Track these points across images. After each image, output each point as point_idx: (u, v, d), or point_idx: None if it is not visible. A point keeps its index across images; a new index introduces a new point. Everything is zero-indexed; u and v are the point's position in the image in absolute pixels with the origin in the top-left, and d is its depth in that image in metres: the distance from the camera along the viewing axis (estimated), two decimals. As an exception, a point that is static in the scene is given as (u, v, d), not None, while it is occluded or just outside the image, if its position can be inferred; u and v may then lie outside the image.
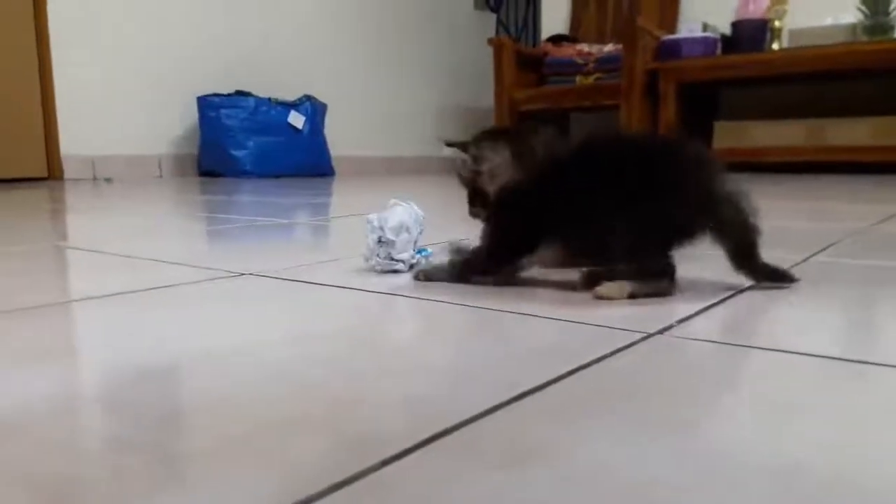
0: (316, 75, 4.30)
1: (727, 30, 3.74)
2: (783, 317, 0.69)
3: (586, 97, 3.97)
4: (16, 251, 1.11)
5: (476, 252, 0.80)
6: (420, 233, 0.88)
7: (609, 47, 4.04)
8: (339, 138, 4.22)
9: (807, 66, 3.39)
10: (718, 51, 3.70)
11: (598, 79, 3.98)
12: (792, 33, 3.59)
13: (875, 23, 3.36)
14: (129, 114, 3.53)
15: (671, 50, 3.70)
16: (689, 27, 3.82)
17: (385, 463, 0.34)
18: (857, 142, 3.37)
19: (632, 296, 0.71)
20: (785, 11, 3.65)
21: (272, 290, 0.79)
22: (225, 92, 3.73)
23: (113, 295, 0.76)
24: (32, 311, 0.69)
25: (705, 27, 3.77)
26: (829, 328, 0.65)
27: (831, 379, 0.50)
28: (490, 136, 0.80)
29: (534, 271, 0.81)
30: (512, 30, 5.70)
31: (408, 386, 0.47)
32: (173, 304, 0.73)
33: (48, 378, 0.49)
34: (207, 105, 3.64)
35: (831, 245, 1.07)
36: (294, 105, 3.89)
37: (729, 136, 3.70)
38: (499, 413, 0.41)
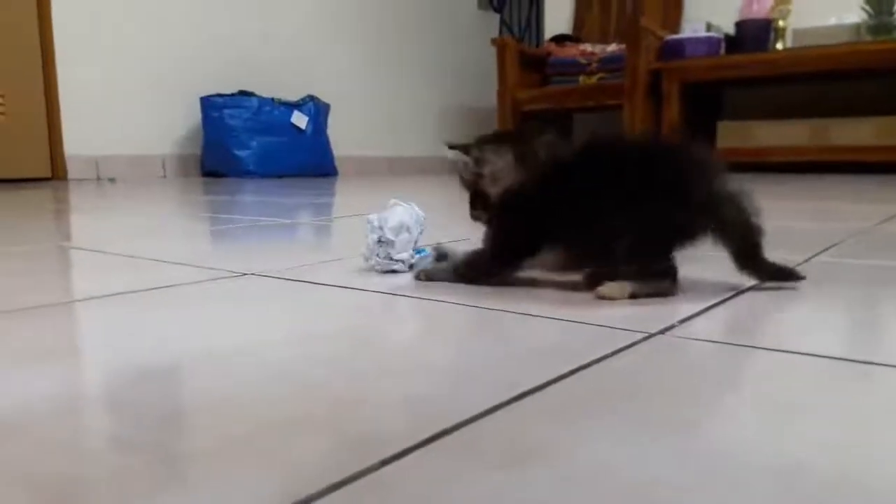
0: (319, 75, 4.30)
1: (731, 29, 3.74)
2: (785, 317, 0.69)
3: (589, 97, 3.97)
4: (19, 251, 1.11)
5: (478, 253, 0.80)
6: (420, 233, 0.88)
7: (612, 47, 4.03)
8: (342, 138, 4.22)
9: (811, 66, 3.38)
10: (722, 51, 3.70)
11: (601, 79, 3.98)
12: (796, 33, 3.58)
13: (879, 22, 3.36)
14: (132, 114, 3.54)
15: (675, 50, 3.70)
16: (692, 27, 3.81)
17: (385, 462, 0.34)
18: (861, 142, 3.37)
19: (633, 296, 0.71)
20: (789, 11, 3.65)
21: (274, 290, 0.79)
22: (228, 92, 3.73)
23: (115, 295, 0.76)
24: (35, 310, 0.69)
25: (709, 27, 3.77)
26: (831, 328, 0.65)
27: (834, 379, 0.50)
28: (493, 139, 0.80)
29: (535, 272, 0.80)
30: (515, 30, 5.70)
31: (408, 386, 0.47)
32: (175, 304, 0.73)
33: (50, 378, 0.49)
34: (211, 105, 3.65)
35: (834, 245, 1.07)
36: (297, 105, 3.90)
37: (732, 135, 3.70)
38: (499, 413, 0.41)
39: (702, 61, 3.63)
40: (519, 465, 0.35)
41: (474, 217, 0.81)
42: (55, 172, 3.32)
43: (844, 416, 0.42)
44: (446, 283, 0.80)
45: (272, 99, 3.80)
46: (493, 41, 4.27)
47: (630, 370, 0.51)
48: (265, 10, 4.08)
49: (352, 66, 4.57)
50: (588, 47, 4.14)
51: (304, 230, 1.52)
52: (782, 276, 0.76)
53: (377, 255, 0.85)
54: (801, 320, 0.67)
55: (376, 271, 0.86)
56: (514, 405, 0.42)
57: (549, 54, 4.24)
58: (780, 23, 3.64)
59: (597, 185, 0.72)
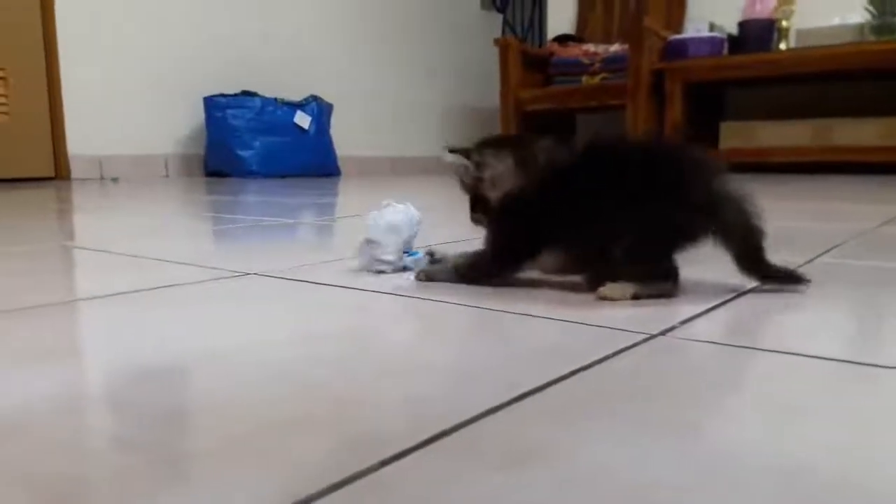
0: (322, 75, 4.30)
1: (734, 30, 3.74)
2: (787, 318, 0.69)
3: (592, 97, 3.97)
4: (22, 251, 1.11)
5: (479, 254, 0.80)
6: (414, 235, 0.88)
7: (615, 47, 4.03)
8: (345, 138, 4.22)
9: (814, 67, 3.38)
10: (725, 51, 3.70)
11: (604, 79, 3.97)
12: (799, 33, 3.58)
13: (882, 23, 3.35)
14: (135, 114, 3.54)
15: (677, 50, 3.70)
16: (695, 27, 3.81)
17: (385, 463, 0.35)
18: (864, 142, 3.36)
19: (635, 297, 0.71)
20: (792, 11, 3.64)
21: (276, 290, 0.80)
22: (231, 92, 3.74)
23: (118, 294, 0.76)
24: (37, 310, 0.69)
25: (712, 27, 3.77)
26: (834, 330, 0.65)
27: (836, 381, 0.50)
28: (493, 143, 0.81)
29: (535, 273, 0.81)
30: (518, 30, 5.70)
31: (409, 386, 0.47)
32: (178, 304, 0.73)
33: (52, 377, 0.49)
34: (214, 105, 3.65)
35: (836, 246, 1.07)
36: (300, 105, 3.90)
37: (735, 136, 3.70)
38: (499, 414, 0.41)
39: (705, 61, 3.63)
40: (519, 466, 0.35)
41: (475, 221, 0.82)
42: (58, 172, 3.32)
43: (846, 418, 0.42)
44: (447, 284, 0.80)
45: (275, 99, 3.81)
46: (496, 41, 4.27)
47: (631, 371, 0.51)
48: (268, 10, 4.08)
49: (355, 66, 4.57)
50: (591, 47, 4.14)
51: (306, 230, 1.52)
52: (786, 279, 0.76)
53: (366, 255, 0.86)
54: (802, 322, 0.67)
55: (368, 272, 0.86)
56: (515, 406, 0.42)
57: (551, 54, 4.23)
58: (784, 23, 3.64)
59: (596, 187, 0.72)
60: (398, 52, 4.85)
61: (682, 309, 0.68)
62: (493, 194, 0.78)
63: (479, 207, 0.80)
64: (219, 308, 0.72)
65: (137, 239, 1.27)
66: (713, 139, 3.71)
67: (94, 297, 0.76)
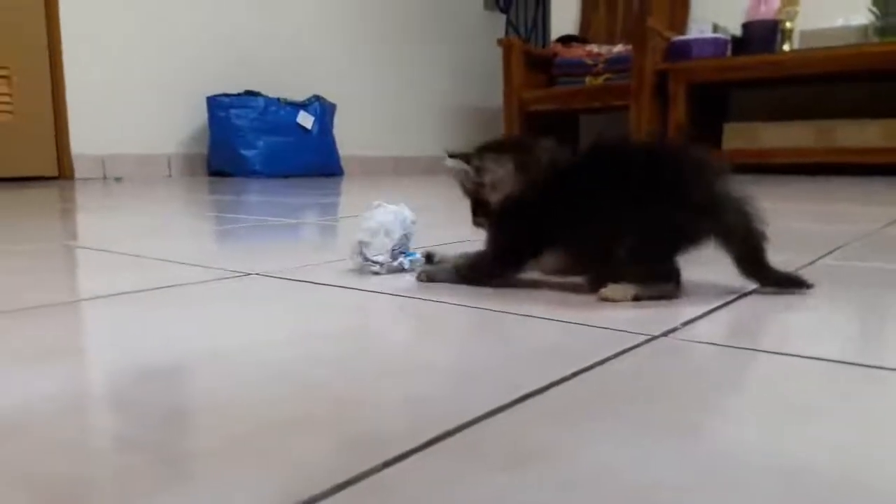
0: (325, 75, 4.31)
1: (738, 31, 3.73)
2: (789, 320, 0.69)
3: (596, 98, 3.96)
4: (25, 250, 1.11)
5: (480, 255, 0.80)
6: (405, 235, 0.88)
7: (619, 48, 4.03)
8: (348, 138, 4.22)
9: (817, 68, 3.37)
10: (728, 52, 3.69)
11: (607, 79, 3.97)
12: (803, 34, 3.57)
13: (886, 24, 3.34)
14: (139, 113, 3.55)
15: (681, 51, 3.69)
16: (699, 28, 3.80)
17: (387, 464, 0.35)
18: (868, 143, 3.36)
19: (636, 298, 0.71)
20: (796, 13, 3.63)
21: (278, 290, 0.80)
22: (234, 92, 3.74)
23: (121, 294, 0.76)
24: (40, 309, 0.70)
25: (715, 28, 3.76)
26: (836, 331, 0.65)
27: (839, 382, 0.50)
28: (493, 147, 0.81)
29: (537, 274, 0.81)
30: (521, 30, 5.70)
31: (411, 387, 0.47)
32: (180, 304, 0.73)
33: (54, 377, 0.49)
34: (217, 105, 3.66)
35: (839, 248, 1.07)
36: (303, 105, 3.90)
37: (739, 137, 3.69)
38: (501, 415, 0.41)
39: (708, 62, 3.62)
40: (521, 467, 0.35)
41: (476, 224, 0.82)
42: (62, 171, 3.33)
43: (848, 419, 0.42)
44: (447, 285, 0.80)
45: (278, 99, 3.81)
46: (499, 42, 4.27)
47: (632, 372, 0.50)
48: (272, 9, 4.09)
49: (358, 66, 4.57)
50: (594, 48, 4.13)
51: (308, 230, 1.53)
52: (788, 283, 0.76)
53: (356, 254, 0.86)
54: (805, 323, 0.67)
55: (361, 272, 0.86)
56: (516, 407, 0.42)
57: (555, 55, 4.23)
58: (788, 24, 3.63)
59: (598, 188, 0.73)
60: (401, 53, 4.85)
61: (683, 310, 0.68)
62: (495, 198, 0.78)
63: (481, 211, 0.81)
64: (221, 308, 0.72)
65: (140, 238, 1.27)
66: (716, 140, 3.71)
67: (97, 297, 0.76)
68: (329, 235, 1.44)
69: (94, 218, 1.78)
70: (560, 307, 0.69)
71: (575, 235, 0.75)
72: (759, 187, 0.74)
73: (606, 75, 3.98)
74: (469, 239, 0.88)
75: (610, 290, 0.72)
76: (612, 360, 0.52)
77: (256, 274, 0.87)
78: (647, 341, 0.57)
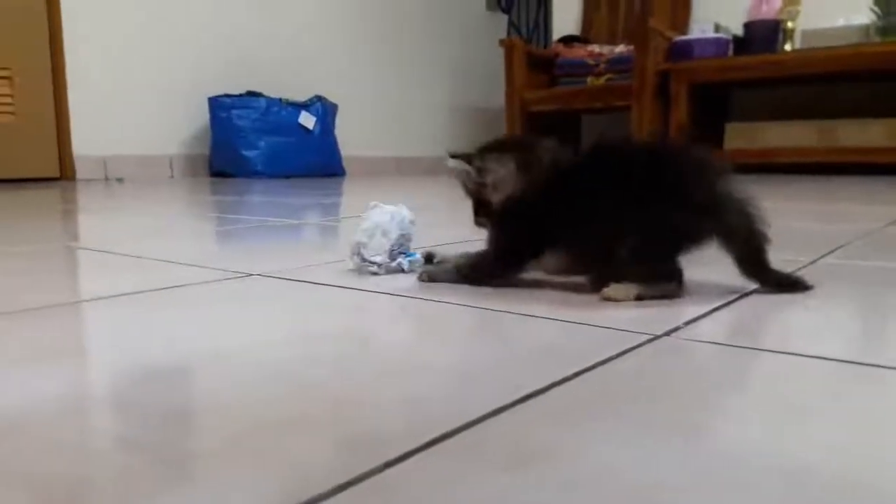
0: (327, 76, 4.31)
1: (739, 30, 3.73)
2: (792, 319, 0.69)
3: (597, 98, 3.97)
4: (27, 251, 1.11)
5: (482, 255, 0.80)
6: (403, 235, 0.87)
7: (620, 48, 4.03)
8: (350, 138, 4.22)
9: (819, 68, 3.37)
10: (730, 52, 3.69)
11: (609, 80, 3.97)
12: (804, 34, 3.57)
13: (888, 24, 3.34)
14: (140, 114, 3.55)
15: (683, 51, 3.69)
16: (700, 28, 3.80)
17: (389, 465, 0.35)
18: (870, 143, 3.35)
19: (639, 298, 0.71)
20: (798, 12, 3.63)
21: (280, 291, 0.80)
22: (236, 92, 3.74)
23: (122, 295, 0.76)
24: (42, 310, 0.70)
25: (717, 28, 3.76)
26: (838, 330, 0.65)
27: (840, 381, 0.50)
28: (495, 147, 0.81)
29: (538, 273, 0.80)
30: (523, 31, 5.70)
31: (411, 387, 0.47)
32: (182, 305, 0.73)
33: (56, 378, 0.49)
34: (219, 105, 3.66)
35: (841, 247, 1.07)
36: (305, 105, 3.90)
37: (740, 137, 3.69)
38: (503, 415, 0.41)
39: (710, 62, 3.62)
40: (523, 467, 0.35)
41: (478, 224, 0.82)
42: (64, 172, 3.33)
43: (851, 419, 0.42)
44: (448, 285, 0.80)
45: (280, 99, 3.81)
46: (501, 42, 4.27)
47: (635, 372, 0.50)
48: (274, 10, 4.09)
49: (360, 66, 4.57)
50: (596, 48, 4.13)
51: (310, 231, 1.53)
52: (788, 284, 0.76)
53: (354, 255, 0.86)
54: (807, 322, 0.67)
55: (359, 273, 0.86)
56: (518, 407, 0.42)
57: (557, 55, 4.23)
58: (789, 24, 3.63)
59: (600, 188, 0.72)
60: (403, 53, 4.85)
61: (686, 310, 0.68)
62: (496, 198, 0.78)
63: (483, 211, 0.81)
64: (223, 309, 0.72)
65: (142, 239, 1.27)
66: (718, 140, 3.71)
67: (98, 298, 0.76)
68: (330, 236, 1.44)
69: (95, 219, 1.78)
70: (562, 307, 0.69)
71: (577, 235, 0.75)
72: (761, 187, 0.74)
73: (608, 75, 3.98)
74: (470, 239, 0.88)
75: (612, 289, 0.72)
76: (615, 360, 0.52)
77: (258, 275, 0.87)
78: (650, 341, 0.57)
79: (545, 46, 5.10)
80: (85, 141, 3.36)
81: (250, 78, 3.86)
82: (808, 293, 0.74)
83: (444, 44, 5.11)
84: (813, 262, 0.92)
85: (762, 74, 3.54)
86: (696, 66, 3.62)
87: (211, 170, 3.79)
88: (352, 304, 0.74)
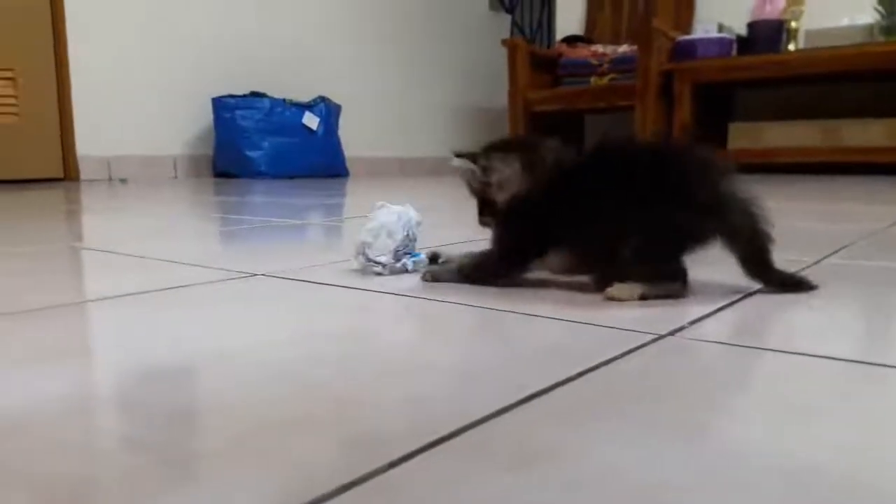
0: (330, 76, 4.31)
1: (743, 30, 3.73)
2: (796, 319, 0.69)
3: (601, 98, 3.96)
4: (31, 251, 1.12)
5: (485, 255, 0.80)
6: (409, 236, 0.87)
7: (624, 48, 4.02)
8: (354, 139, 4.22)
9: (822, 67, 3.37)
10: (734, 51, 3.69)
11: (612, 80, 3.97)
12: (808, 34, 3.56)
13: (891, 23, 3.34)
14: (144, 115, 3.55)
15: (686, 50, 3.69)
16: (704, 28, 3.80)
17: (393, 465, 0.34)
18: (873, 143, 3.35)
19: (643, 297, 0.71)
20: (801, 12, 3.63)
21: (284, 291, 0.80)
22: (240, 93, 3.74)
23: (127, 295, 0.76)
24: (46, 311, 0.70)
25: (721, 28, 3.76)
26: (843, 330, 0.65)
27: (845, 381, 0.49)
28: (500, 147, 0.81)
29: (542, 273, 0.80)
30: (527, 31, 5.69)
31: (415, 387, 0.47)
32: (186, 305, 0.73)
33: (60, 378, 0.49)
34: (222, 106, 3.66)
35: (845, 247, 1.07)
36: (308, 106, 3.90)
37: (744, 137, 3.69)
38: (507, 415, 0.41)
39: (713, 62, 3.62)
40: (526, 467, 0.34)
41: (482, 224, 0.82)
42: (67, 173, 3.33)
43: (855, 418, 0.42)
44: (452, 284, 0.80)
45: (284, 100, 3.81)
46: (504, 42, 4.27)
47: (639, 372, 0.50)
48: (277, 10, 4.09)
49: (363, 67, 4.57)
50: (599, 48, 4.13)
51: (314, 231, 1.53)
52: (792, 284, 0.76)
53: (360, 255, 0.86)
54: (811, 322, 0.67)
55: (364, 273, 0.86)
56: (522, 407, 0.42)
57: (560, 55, 4.23)
58: (793, 24, 3.62)
59: (604, 188, 0.72)
60: (406, 53, 4.85)
61: (690, 309, 0.68)
62: (501, 198, 0.78)
63: (487, 211, 0.81)
64: (227, 309, 0.72)
65: (146, 240, 1.28)
66: (722, 140, 3.71)
67: (103, 298, 0.76)
68: (334, 236, 1.44)
69: (99, 219, 1.78)
70: (566, 306, 0.69)
71: (581, 235, 0.75)
72: (765, 187, 0.73)
73: (611, 75, 3.97)
74: (474, 239, 0.88)
75: (616, 289, 0.72)
76: (619, 360, 0.52)
77: (262, 275, 0.87)
78: (654, 340, 0.57)
79: (548, 46, 5.09)
80: (89, 142, 3.36)
81: (254, 78, 3.87)
82: (812, 293, 0.74)
83: (447, 44, 5.11)
84: (817, 262, 0.92)
85: (766, 74, 3.54)
86: (700, 66, 3.62)
87: (214, 170, 3.80)
88: (356, 303, 0.74)
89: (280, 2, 4.11)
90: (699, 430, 0.40)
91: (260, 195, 2.54)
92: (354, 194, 2.76)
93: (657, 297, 0.71)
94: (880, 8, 3.37)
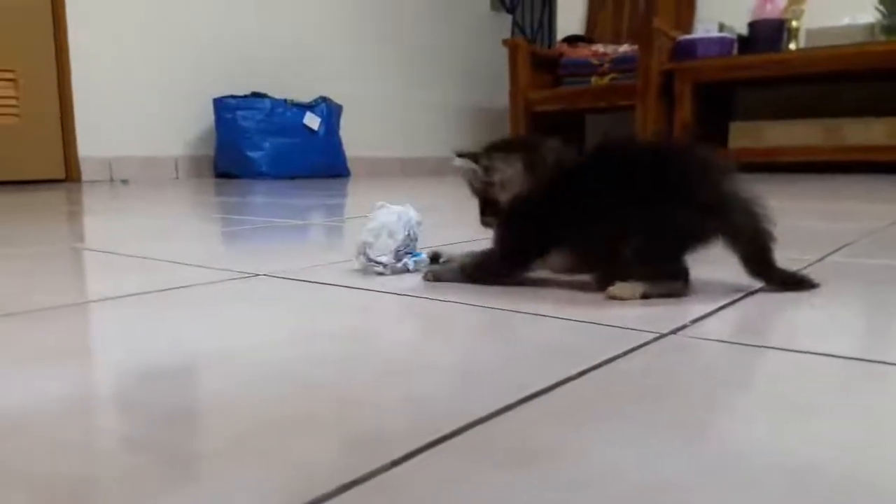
0: (331, 76, 4.31)
1: (744, 30, 3.72)
2: (798, 317, 0.69)
3: (602, 98, 3.96)
4: (33, 252, 1.12)
5: (487, 254, 0.80)
6: (409, 236, 0.87)
7: (624, 48, 4.02)
8: (355, 139, 4.22)
9: (823, 67, 3.36)
10: (735, 51, 3.68)
11: (613, 79, 3.96)
12: (809, 33, 3.56)
13: (892, 23, 3.33)
14: (145, 115, 3.55)
15: (687, 50, 3.69)
16: (705, 27, 3.80)
17: (394, 464, 0.34)
18: (874, 142, 3.35)
19: (644, 296, 0.71)
20: (802, 11, 3.62)
21: (285, 291, 0.80)
22: (241, 93, 3.74)
23: (128, 296, 0.76)
24: (48, 311, 0.70)
25: (721, 27, 3.75)
26: (844, 328, 0.64)
27: (847, 379, 0.49)
28: (501, 146, 0.81)
29: (544, 272, 0.80)
30: (528, 31, 5.69)
31: (416, 386, 0.47)
32: (188, 305, 0.73)
33: (61, 378, 0.49)
34: (223, 107, 3.66)
35: (847, 245, 1.06)
36: (309, 106, 3.90)
37: (745, 136, 3.68)
38: (508, 414, 0.41)
39: (714, 62, 3.61)
40: (528, 466, 0.34)
41: (484, 224, 0.82)
42: (69, 174, 3.34)
43: (857, 416, 0.42)
44: (454, 284, 0.80)
45: (285, 100, 3.81)
46: (505, 42, 4.27)
47: (641, 371, 0.50)
48: (278, 11, 4.09)
49: (364, 67, 4.57)
50: (600, 48, 4.13)
51: (315, 231, 1.53)
52: (794, 283, 0.76)
53: (361, 254, 0.86)
54: (813, 320, 0.67)
55: (365, 273, 0.86)
56: (523, 406, 0.42)
57: (561, 55, 4.23)
58: (794, 23, 3.62)
59: (606, 188, 0.72)
60: (407, 53, 4.85)
61: (692, 308, 0.68)
62: (504, 197, 0.78)
63: (489, 210, 0.81)
64: (228, 309, 0.72)
65: (147, 241, 1.28)
66: (723, 139, 3.71)
67: (104, 299, 0.76)
68: (336, 236, 1.44)
69: (100, 220, 1.78)
70: (567, 306, 0.69)
71: (582, 235, 0.75)
72: (766, 186, 0.73)
73: (612, 75, 3.97)
74: (476, 238, 0.88)
75: (618, 288, 0.72)
76: (620, 359, 0.52)
77: (263, 275, 0.87)
78: (656, 339, 0.57)
79: (549, 46, 5.09)
80: (90, 142, 3.36)
81: (255, 79, 3.87)
82: (813, 291, 0.74)
83: (448, 44, 5.11)
84: (819, 261, 0.92)
85: (767, 74, 3.53)
86: (701, 66, 3.61)
87: (216, 171, 3.80)
88: (357, 303, 0.74)
89: (280, 2, 4.11)
90: (700, 429, 0.40)
91: (261, 196, 2.54)
92: (356, 194, 2.76)
93: (659, 295, 0.71)
94: (881, 7, 3.37)
